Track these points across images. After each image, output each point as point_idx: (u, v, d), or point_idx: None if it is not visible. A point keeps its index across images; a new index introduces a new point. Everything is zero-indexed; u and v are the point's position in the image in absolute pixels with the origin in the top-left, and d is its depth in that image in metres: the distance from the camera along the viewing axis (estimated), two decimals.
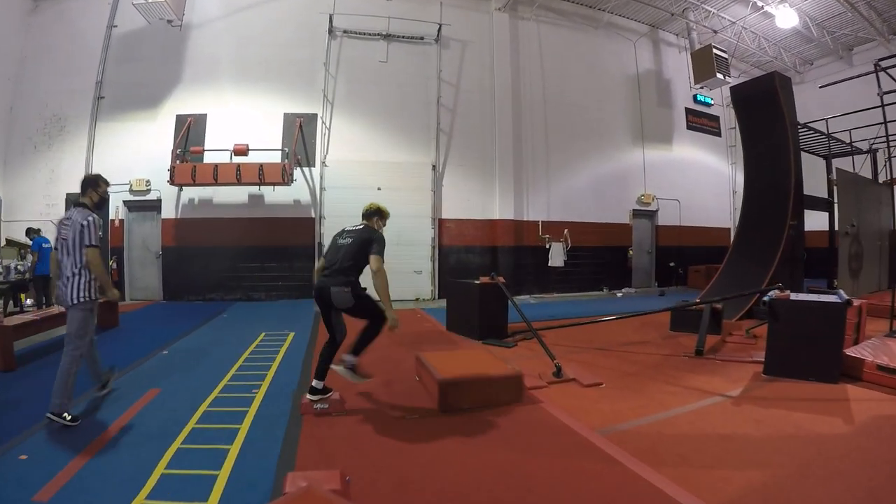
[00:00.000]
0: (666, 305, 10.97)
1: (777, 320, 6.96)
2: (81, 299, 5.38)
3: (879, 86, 10.88)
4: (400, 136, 16.50)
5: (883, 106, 11.21)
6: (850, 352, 6.87)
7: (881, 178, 17.17)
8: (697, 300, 11.10)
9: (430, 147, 16.52)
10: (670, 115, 21.08)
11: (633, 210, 19.56)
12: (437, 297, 15.75)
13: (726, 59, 19.09)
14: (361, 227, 6.02)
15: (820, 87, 16.25)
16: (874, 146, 17.10)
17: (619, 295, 17.67)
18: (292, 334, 10.10)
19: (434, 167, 16.46)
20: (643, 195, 19.64)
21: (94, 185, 5.78)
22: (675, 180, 20.48)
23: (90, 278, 5.48)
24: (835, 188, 14.37)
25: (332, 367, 5.76)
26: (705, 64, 19.19)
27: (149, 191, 15.29)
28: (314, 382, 5.76)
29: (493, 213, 16.63)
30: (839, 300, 6.76)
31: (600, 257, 18.54)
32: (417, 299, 15.66)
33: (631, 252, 19.46)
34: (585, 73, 18.97)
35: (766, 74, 14.63)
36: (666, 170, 20.44)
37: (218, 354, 8.40)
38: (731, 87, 15.28)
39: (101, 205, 5.93)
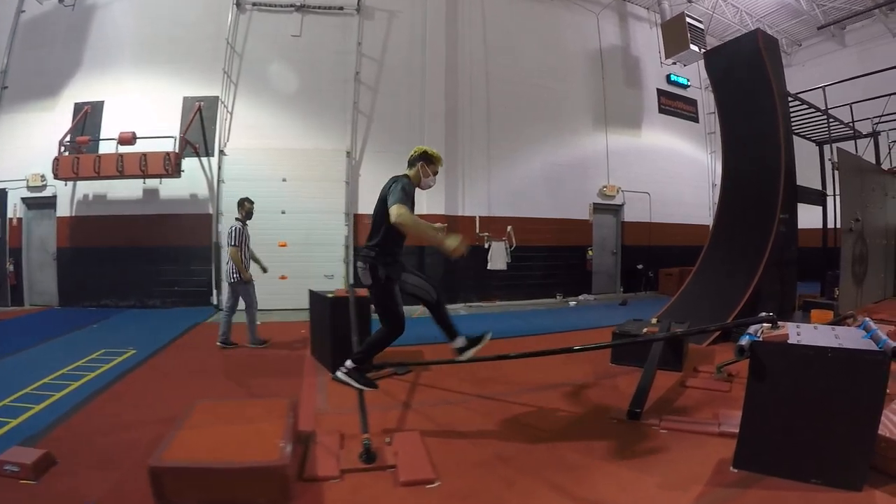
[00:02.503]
0: (622, 320, 9.20)
1: (762, 378, 4.18)
2: None
3: None
4: (312, 120, 14.40)
5: None
6: (887, 430, 4.13)
7: (885, 166, 15.26)
8: (653, 320, 9.08)
9: (346, 132, 14.40)
10: (639, 96, 18.99)
11: (594, 204, 17.36)
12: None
13: (702, 29, 17.07)
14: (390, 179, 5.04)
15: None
16: (877, 128, 15.07)
17: (573, 304, 15.51)
18: (130, 353, 8.58)
19: (349, 154, 14.30)
20: (606, 187, 17.46)
21: None
22: (644, 170, 18.39)
23: None
24: (836, 174, 12.10)
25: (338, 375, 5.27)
26: (677, 35, 16.96)
27: (44, 186, 13.88)
28: (458, 341, 5.38)
29: (419, 207, 12.65)
30: (877, 346, 3.98)
31: (554, 258, 16.37)
32: None
33: (591, 252, 17.17)
34: (538, 48, 16.78)
35: (747, 33, 12.91)
36: (634, 158, 18.33)
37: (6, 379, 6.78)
38: (705, 53, 13.62)
39: None
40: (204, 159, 13.77)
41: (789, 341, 4.11)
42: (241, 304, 8.96)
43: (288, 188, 13.62)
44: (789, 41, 21.74)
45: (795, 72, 18.76)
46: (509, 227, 15.09)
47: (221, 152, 13.72)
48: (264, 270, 9.42)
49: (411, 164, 5.51)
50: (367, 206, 13.35)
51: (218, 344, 8.71)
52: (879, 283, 14.23)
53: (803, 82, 14.52)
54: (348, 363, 5.20)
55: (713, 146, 19.54)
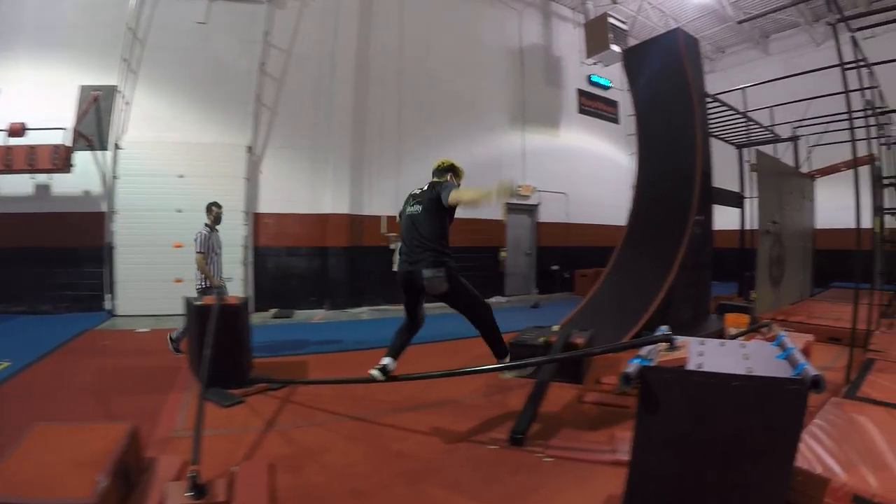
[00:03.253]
0: (535, 322, 8.97)
1: (654, 411, 3.29)
2: None
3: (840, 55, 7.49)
4: (213, 113, 13.59)
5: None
6: (804, 461, 3.71)
7: (804, 169, 15.59)
8: (555, 328, 8.24)
9: (248, 126, 13.70)
10: (559, 96, 18.94)
11: (508, 204, 16.99)
12: (253, 310, 12.72)
13: (625, 30, 17.29)
14: (427, 186, 5.39)
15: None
16: (797, 132, 15.35)
17: None
18: (4, 365, 7.71)
19: (250, 149, 13.62)
20: (520, 186, 17.11)
21: None
22: (561, 170, 18.34)
23: None
24: (753, 175, 11.86)
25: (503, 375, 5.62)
26: (599, 35, 17.05)
27: None
28: (386, 360, 5.39)
29: (323, 206, 14.08)
30: (793, 371, 3.18)
31: (465, 260, 14.19)
32: None
33: (504, 253, 16.81)
34: (456, 44, 16.49)
35: (668, 32, 12.90)
36: (551, 158, 18.23)
37: None
38: (624, 50, 13.59)
39: None
40: (99, 153, 12.88)
41: (688, 366, 3.38)
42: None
43: (185, 185, 12.85)
44: (714, 48, 22.03)
45: (719, 78, 19.10)
46: None
47: (117, 146, 12.86)
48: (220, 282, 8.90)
49: (441, 173, 5.61)
50: (267, 204, 13.44)
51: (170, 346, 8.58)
52: (797, 284, 14.36)
53: (727, 88, 14.30)
54: (501, 363, 5.40)
55: (634, 148, 18.77)
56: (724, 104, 11.98)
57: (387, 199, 14.63)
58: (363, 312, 13.64)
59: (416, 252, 5.22)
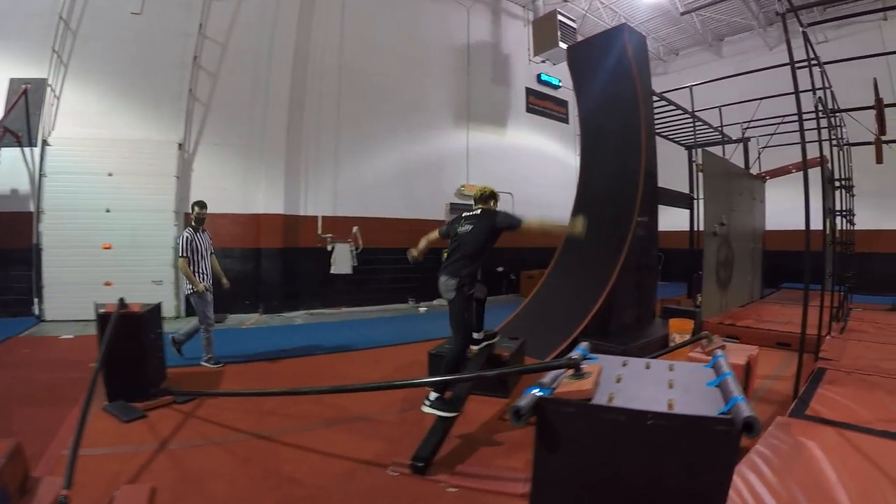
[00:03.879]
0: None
1: (554, 450, 2.83)
2: None
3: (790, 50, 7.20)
4: (144, 109, 13.01)
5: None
6: (739, 500, 3.34)
7: (754, 171, 15.87)
8: (486, 340, 7.38)
9: (180, 121, 13.20)
10: (506, 94, 18.84)
11: (452, 204, 16.93)
12: (183, 314, 12.61)
13: (574, 28, 17.16)
14: (479, 211, 6.17)
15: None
16: (746, 133, 15.53)
17: (423, 310, 15.14)
18: None
19: (182, 147, 13.15)
20: (464, 186, 17.06)
21: None
22: (507, 170, 18.11)
23: None
24: (700, 176, 11.92)
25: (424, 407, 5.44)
26: (547, 33, 16.89)
27: None
28: (475, 335, 6.51)
29: (257, 205, 13.71)
30: (724, 405, 2.73)
31: (406, 261, 13.59)
32: None
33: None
34: (400, 39, 16.20)
35: (614, 28, 12.48)
36: (497, 157, 18.11)
37: None
38: (569, 46, 13.41)
39: None
40: (27, 150, 12.32)
41: (597, 396, 2.96)
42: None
43: (114, 184, 12.41)
44: (667, 49, 22.19)
45: (672, 80, 19.02)
46: (355, 228, 14.22)
47: (45, 142, 12.32)
48: (223, 285, 8.69)
49: (485, 200, 6.32)
50: None
51: (206, 364, 8.11)
52: (747, 286, 14.38)
53: (676, 94, 14.36)
54: (432, 395, 5.39)
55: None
56: (671, 103, 11.94)
57: (324, 198, 14.46)
58: (298, 317, 13.36)
59: (451, 263, 6.04)
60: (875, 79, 9.31)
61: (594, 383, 3.02)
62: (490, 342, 6.87)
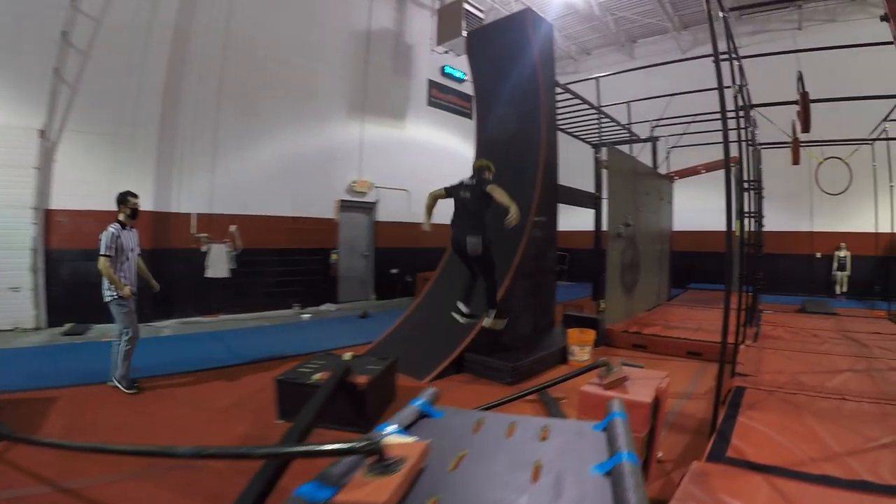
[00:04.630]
0: (362, 336, 9.20)
1: None
2: None
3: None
4: (2, 89, 11.38)
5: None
6: None
7: (662, 170, 15.80)
8: (347, 356, 6.67)
9: (42, 105, 11.75)
10: (407, 85, 18.27)
11: (342, 201, 16.26)
12: (44, 324, 11.55)
13: (481, 18, 16.54)
14: (475, 180, 7.39)
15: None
16: (655, 132, 15.17)
17: (306, 317, 14.13)
18: None
19: (43, 134, 11.76)
20: (356, 182, 16.39)
21: None
22: (404, 166, 17.66)
23: None
24: (604, 173, 11.49)
25: (484, 324, 7.88)
26: (452, 21, 16.20)
27: None
28: (460, 306, 7.73)
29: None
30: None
31: (290, 263, 14.93)
32: (15, 329, 11.24)
33: (335, 256, 15.77)
34: (294, 21, 15.07)
35: (516, 13, 11.85)
36: (394, 152, 17.52)
37: None
38: (468, 33, 13.11)
39: None
40: None
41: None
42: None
43: None
44: (579, 49, 22.25)
45: (579, 78, 17.81)
46: (233, 227, 13.19)
47: None
48: (153, 288, 7.95)
49: (481, 170, 7.41)
50: (62, 199, 11.90)
51: (115, 385, 7.10)
52: (653, 289, 14.36)
53: (590, 91, 14.04)
54: (492, 313, 7.75)
55: None
56: (576, 96, 11.61)
57: (199, 195, 13.36)
58: (167, 327, 12.33)
59: (464, 226, 7.24)
60: (800, 72, 8.98)
61: (401, 486, 1.89)
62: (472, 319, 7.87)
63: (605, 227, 11.71)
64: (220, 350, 9.72)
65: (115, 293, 7.05)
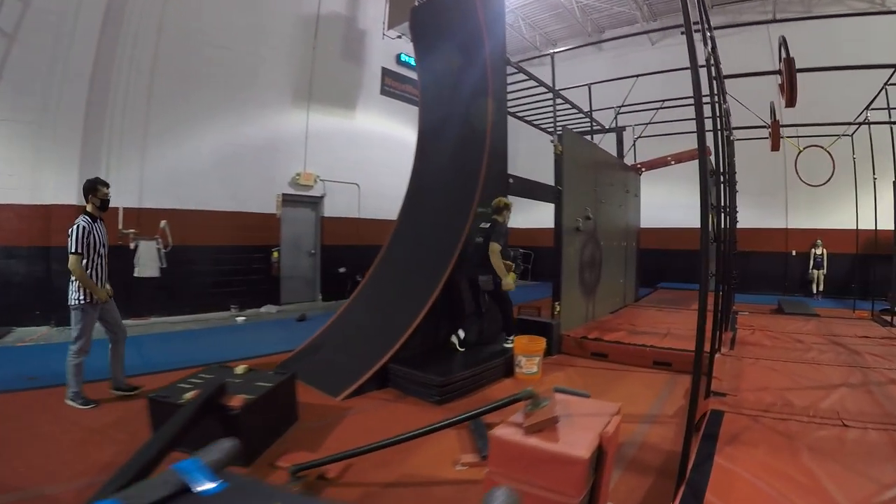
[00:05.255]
0: (292, 341, 8.11)
1: None
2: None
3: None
4: None
5: None
6: None
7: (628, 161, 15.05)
8: (240, 369, 5.80)
9: None
10: (358, 73, 17.21)
11: (285, 195, 15.11)
12: None
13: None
14: (489, 226, 7.80)
15: None
16: (619, 120, 14.19)
17: (241, 320, 12.99)
18: None
19: None
20: (301, 175, 15.22)
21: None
22: (354, 158, 16.58)
23: None
24: (558, 158, 9.65)
25: (506, 345, 8.07)
26: (404, 3, 14.32)
27: None
28: (461, 333, 7.85)
29: (46, 194, 11.44)
30: None
31: (228, 262, 13.83)
32: None
33: (276, 254, 14.64)
34: (236, 3, 13.93)
35: None
36: (343, 143, 16.36)
37: None
38: (413, 8, 11.29)
39: None
40: None
41: None
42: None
43: None
44: (544, 39, 21.54)
45: (547, 72, 16.55)
46: (163, 223, 12.23)
47: None
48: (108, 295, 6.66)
49: (498, 212, 7.84)
50: None
51: (73, 404, 6.12)
52: (618, 289, 13.45)
53: (559, 83, 13.20)
54: (511, 337, 8.00)
55: None
56: (530, 77, 10.79)
57: (128, 188, 12.26)
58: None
59: (475, 266, 7.87)
60: (783, 37, 7.50)
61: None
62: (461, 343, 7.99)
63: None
64: (131, 357, 8.30)
65: (83, 297, 6.14)
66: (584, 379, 7.95)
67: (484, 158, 8.42)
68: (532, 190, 10.53)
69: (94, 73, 11.79)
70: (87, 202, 6.45)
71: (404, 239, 9.35)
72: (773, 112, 10.07)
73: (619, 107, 13.81)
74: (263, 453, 4.93)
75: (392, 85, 18.35)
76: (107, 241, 6.61)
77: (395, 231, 9.69)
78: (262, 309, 14.22)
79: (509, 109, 10.97)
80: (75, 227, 6.11)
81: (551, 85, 11.25)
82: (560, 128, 10.86)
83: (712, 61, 7.08)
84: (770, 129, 9.64)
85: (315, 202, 16.16)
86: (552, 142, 9.75)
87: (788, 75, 7.25)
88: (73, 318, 6.23)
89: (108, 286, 6.52)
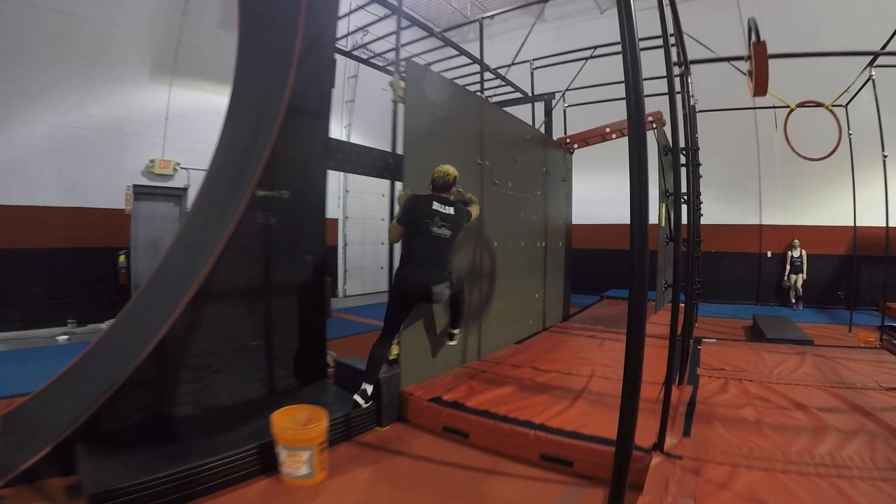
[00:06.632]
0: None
1: None
2: None
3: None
4: None
5: None
6: None
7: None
8: None
9: None
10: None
11: (137, 187, 12.94)
12: None
13: None
14: (454, 212, 5.62)
15: None
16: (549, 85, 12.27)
17: (63, 339, 10.49)
18: None
19: None
20: (158, 162, 13.01)
21: None
22: None
23: None
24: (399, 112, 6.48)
25: (449, 342, 6.73)
26: None
27: None
28: (367, 387, 5.40)
29: None
30: None
31: (68, 268, 11.67)
32: None
33: (123, 257, 12.57)
34: None
35: None
36: (211, 125, 12.15)
37: None
38: None
39: None
40: None
41: None
42: None
43: None
44: (478, 9, 19.19)
45: (487, 47, 14.38)
46: None
47: None
48: None
49: (447, 188, 5.61)
50: None
51: None
52: (530, 307, 9.62)
53: (497, 59, 12.59)
54: (457, 331, 6.71)
55: (350, 117, 16.38)
56: (456, 48, 9.73)
57: None
58: None
59: (430, 267, 5.45)
60: (752, 19, 6.10)
61: None
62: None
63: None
64: None
65: None
66: (405, 492, 4.39)
67: (279, 116, 5.67)
68: (359, 160, 8.61)
69: None
70: None
71: (191, 231, 6.43)
72: (754, 30, 6.55)
73: (535, 63, 12.14)
74: None
75: None
76: None
77: (183, 230, 6.78)
78: (104, 324, 11.52)
79: None
80: None
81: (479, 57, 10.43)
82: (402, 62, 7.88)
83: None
84: (751, 62, 6.41)
85: (178, 195, 14.01)
86: (391, 83, 6.44)
87: (758, 62, 5.95)
88: None
89: None
